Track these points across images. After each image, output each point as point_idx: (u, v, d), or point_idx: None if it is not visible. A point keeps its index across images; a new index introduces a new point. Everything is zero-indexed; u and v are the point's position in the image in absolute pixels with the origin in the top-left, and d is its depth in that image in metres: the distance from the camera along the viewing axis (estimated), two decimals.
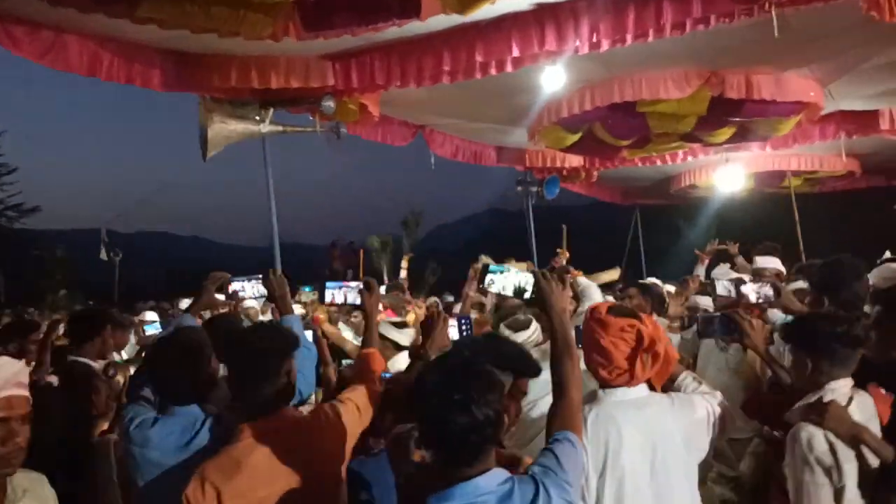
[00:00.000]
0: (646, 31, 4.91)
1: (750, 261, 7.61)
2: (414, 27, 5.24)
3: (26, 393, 1.94)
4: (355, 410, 2.35)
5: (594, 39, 5.01)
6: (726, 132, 7.21)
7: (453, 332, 2.78)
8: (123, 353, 6.06)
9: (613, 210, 16.17)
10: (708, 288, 6.60)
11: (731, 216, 14.47)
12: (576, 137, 7.53)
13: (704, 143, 7.90)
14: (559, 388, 2.03)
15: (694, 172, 10.81)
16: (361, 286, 2.80)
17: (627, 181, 12.25)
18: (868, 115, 8.30)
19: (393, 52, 5.73)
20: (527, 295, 2.31)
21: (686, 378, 2.66)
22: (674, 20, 4.70)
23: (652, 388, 2.47)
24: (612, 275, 6.96)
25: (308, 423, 2.29)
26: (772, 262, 5.51)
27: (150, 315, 9.06)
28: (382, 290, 9.60)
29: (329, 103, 6.30)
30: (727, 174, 9.75)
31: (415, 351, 2.58)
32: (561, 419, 1.96)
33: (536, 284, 2.21)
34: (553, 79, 6.01)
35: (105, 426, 3.59)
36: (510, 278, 2.33)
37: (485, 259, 7.83)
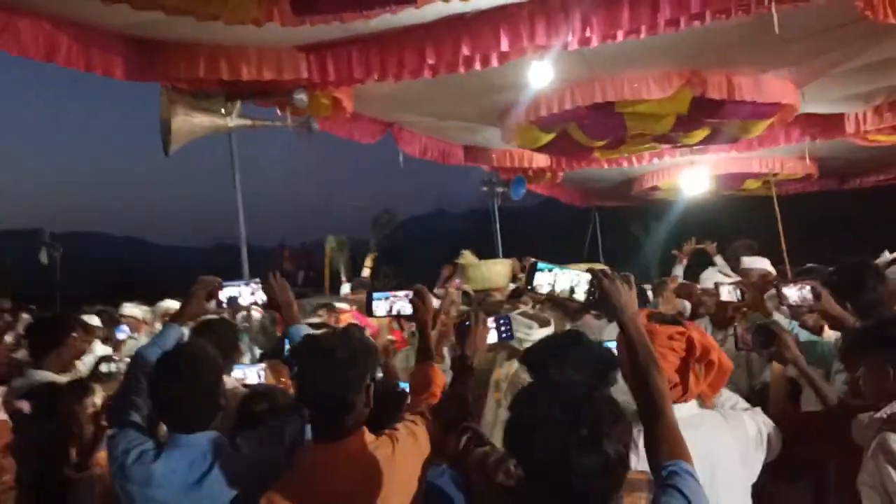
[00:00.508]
0: (638, 27, 4.77)
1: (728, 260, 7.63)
2: (399, 17, 5.00)
3: (5, 416, 1.63)
4: (426, 434, 2.11)
5: (586, 34, 4.85)
6: (700, 133, 7.16)
7: (491, 336, 2.55)
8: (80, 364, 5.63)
9: (566, 210, 16.17)
10: (697, 290, 6.56)
11: (690, 218, 14.62)
12: (550, 137, 7.39)
13: (677, 145, 7.86)
14: (652, 406, 1.77)
15: (657, 174, 10.82)
16: (411, 294, 2.51)
17: (588, 182, 12.20)
18: (834, 119, 8.38)
19: (372, 45, 5.48)
20: (579, 296, 2.05)
21: (723, 391, 2.48)
22: (671, 16, 4.57)
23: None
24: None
25: (387, 446, 2.04)
26: (759, 263, 5.45)
27: (96, 321, 8.62)
28: (347, 288, 9.28)
29: (301, 96, 6.00)
30: (692, 176, 9.76)
31: (457, 361, 2.32)
32: (668, 444, 1.69)
33: (598, 285, 1.95)
34: (540, 75, 5.84)
35: (89, 458, 3.11)
36: (563, 277, 2.10)
37: (467, 258, 7.60)
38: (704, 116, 6.54)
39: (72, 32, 4.84)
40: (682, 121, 6.66)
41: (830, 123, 8.46)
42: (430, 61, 5.32)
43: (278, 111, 6.62)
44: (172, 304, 8.47)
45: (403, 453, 2.02)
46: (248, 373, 3.77)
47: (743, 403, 2.39)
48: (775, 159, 10.44)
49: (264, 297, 2.75)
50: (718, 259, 7.14)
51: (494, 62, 5.32)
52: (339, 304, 9.06)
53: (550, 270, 2.10)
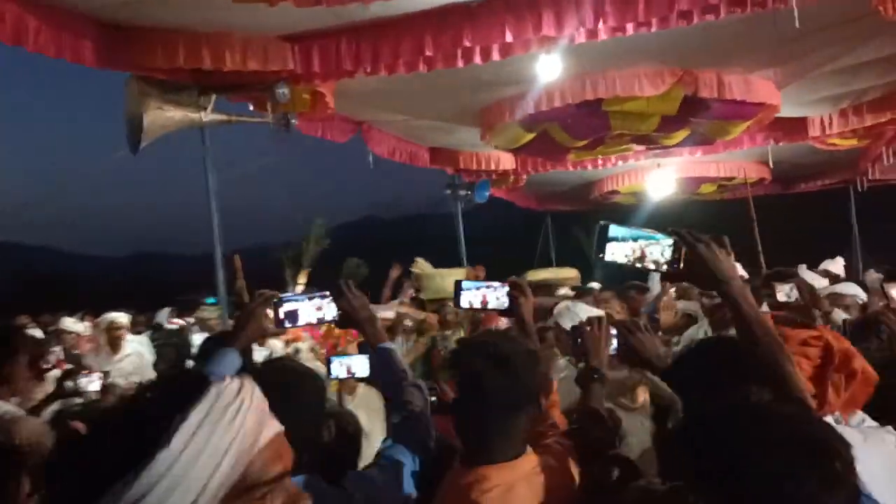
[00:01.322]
0: (649, 20, 4.66)
1: None
2: (400, 3, 4.77)
3: None
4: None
5: (597, 26, 4.70)
6: (681, 134, 7.15)
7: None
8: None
9: (505, 215, 16.12)
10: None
11: (649, 222, 14.73)
12: (530, 137, 7.25)
13: (656, 146, 7.84)
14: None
15: (619, 178, 10.82)
16: (507, 287, 2.22)
17: (547, 186, 12.14)
18: (796, 122, 8.53)
19: (365, 35, 5.19)
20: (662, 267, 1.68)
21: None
22: (687, 7, 4.46)
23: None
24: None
25: (547, 467, 1.76)
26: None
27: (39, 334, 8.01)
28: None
29: (284, 90, 5.64)
30: (658, 179, 9.79)
31: (586, 374, 2.03)
32: None
33: (691, 249, 1.60)
34: (547, 68, 5.65)
35: None
36: (651, 246, 1.68)
37: (422, 266, 7.39)
38: (692, 115, 6.50)
39: (41, 14, 4.39)
40: (667, 121, 6.62)
41: (793, 127, 8.61)
42: (428, 53, 5.07)
43: (250, 107, 6.27)
44: (118, 317, 7.92)
45: (563, 469, 1.76)
46: None
47: (869, 420, 2.10)
48: (735, 163, 10.62)
49: (334, 313, 2.29)
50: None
51: (496, 55, 5.11)
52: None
53: (632, 240, 1.70)
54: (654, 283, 7.77)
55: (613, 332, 2.15)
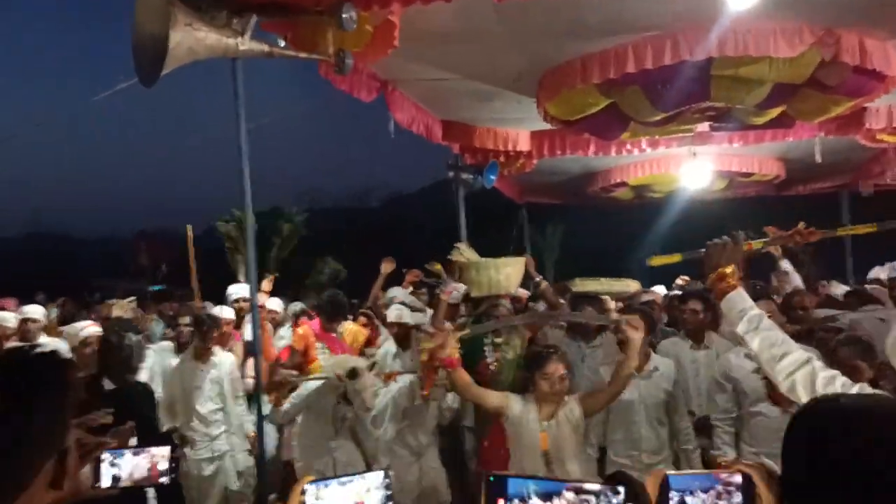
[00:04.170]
0: None
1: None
2: None
3: None
4: None
5: None
6: (776, 111, 6.19)
7: None
8: None
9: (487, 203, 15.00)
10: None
11: (615, 226, 13.94)
12: (601, 105, 6.11)
13: (736, 128, 6.88)
14: None
15: (636, 167, 9.83)
16: None
17: (542, 175, 11.02)
18: (853, 114, 7.77)
19: None
20: None
21: None
22: None
23: None
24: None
25: None
26: None
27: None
28: (239, 288, 7.40)
29: (351, 13, 4.26)
30: (694, 169, 8.85)
31: None
32: None
33: None
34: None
35: None
36: None
37: (467, 254, 6.07)
38: (818, 85, 5.51)
39: None
40: (780, 91, 5.62)
41: (848, 119, 7.85)
42: None
43: (280, 42, 4.83)
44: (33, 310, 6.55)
45: None
46: None
47: None
48: (754, 158, 9.87)
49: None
50: (785, 263, 6.14)
51: None
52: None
53: None
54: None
55: None
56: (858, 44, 5.13)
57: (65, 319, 7.25)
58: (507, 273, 5.67)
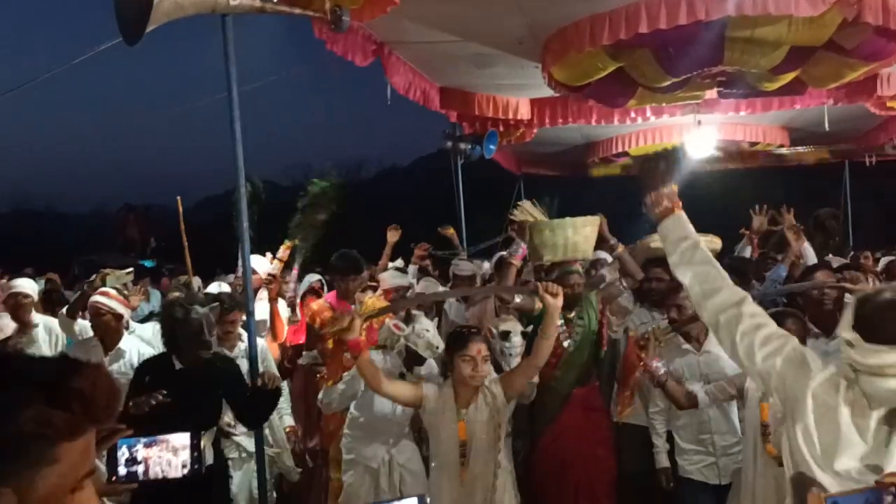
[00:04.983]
0: None
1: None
2: None
3: None
4: None
5: None
6: (790, 76, 5.95)
7: None
8: None
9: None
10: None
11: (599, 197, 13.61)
12: (609, 69, 5.84)
13: (745, 94, 6.64)
14: None
15: (639, 136, 9.60)
16: None
17: (541, 145, 10.75)
18: (864, 80, 7.53)
19: None
20: None
21: None
22: None
23: None
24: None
25: None
26: None
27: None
28: (263, 261, 6.64)
29: None
30: (698, 138, 8.60)
31: None
32: None
33: None
34: None
35: None
36: None
37: (535, 214, 5.47)
38: (837, 48, 5.27)
39: None
40: (796, 54, 5.37)
41: (859, 85, 7.61)
42: None
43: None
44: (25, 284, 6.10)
45: None
46: None
47: None
48: (759, 127, 9.65)
49: None
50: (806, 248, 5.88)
51: None
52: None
53: None
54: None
55: None
56: (882, 3, 4.88)
57: (49, 296, 6.95)
58: (587, 234, 4.92)
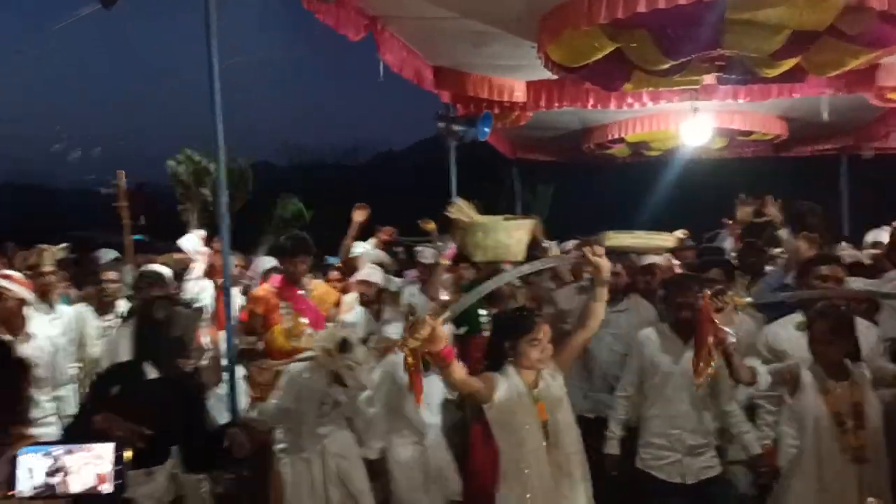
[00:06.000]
0: None
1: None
2: None
3: None
4: None
5: None
6: (791, 63, 5.82)
7: None
8: None
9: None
10: None
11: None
12: (606, 50, 5.71)
13: (744, 80, 6.53)
14: None
15: (635, 123, 9.48)
16: None
17: (537, 129, 10.61)
18: (865, 70, 7.40)
19: None
20: None
21: None
22: None
23: None
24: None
25: None
26: None
27: None
28: (194, 238, 6.14)
29: None
30: (694, 126, 8.48)
31: None
32: None
33: None
34: None
35: None
36: None
37: (469, 212, 5.53)
38: (839, 33, 5.15)
39: None
40: (797, 39, 5.26)
41: (859, 75, 7.48)
42: None
43: None
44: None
45: None
46: None
47: None
48: (756, 116, 9.54)
49: None
50: (785, 233, 5.73)
51: None
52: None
53: None
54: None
55: None
56: None
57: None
58: (519, 237, 4.95)
